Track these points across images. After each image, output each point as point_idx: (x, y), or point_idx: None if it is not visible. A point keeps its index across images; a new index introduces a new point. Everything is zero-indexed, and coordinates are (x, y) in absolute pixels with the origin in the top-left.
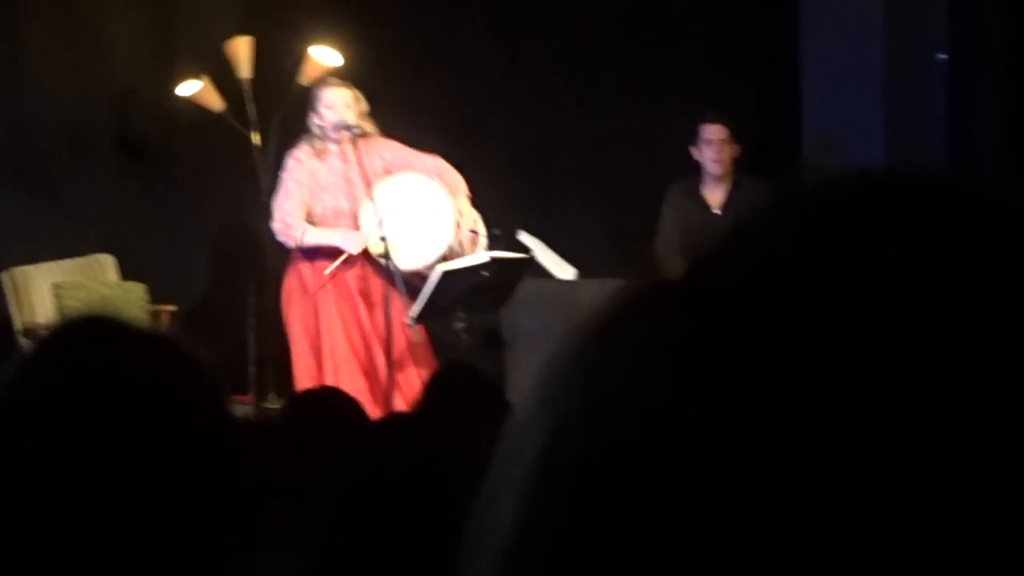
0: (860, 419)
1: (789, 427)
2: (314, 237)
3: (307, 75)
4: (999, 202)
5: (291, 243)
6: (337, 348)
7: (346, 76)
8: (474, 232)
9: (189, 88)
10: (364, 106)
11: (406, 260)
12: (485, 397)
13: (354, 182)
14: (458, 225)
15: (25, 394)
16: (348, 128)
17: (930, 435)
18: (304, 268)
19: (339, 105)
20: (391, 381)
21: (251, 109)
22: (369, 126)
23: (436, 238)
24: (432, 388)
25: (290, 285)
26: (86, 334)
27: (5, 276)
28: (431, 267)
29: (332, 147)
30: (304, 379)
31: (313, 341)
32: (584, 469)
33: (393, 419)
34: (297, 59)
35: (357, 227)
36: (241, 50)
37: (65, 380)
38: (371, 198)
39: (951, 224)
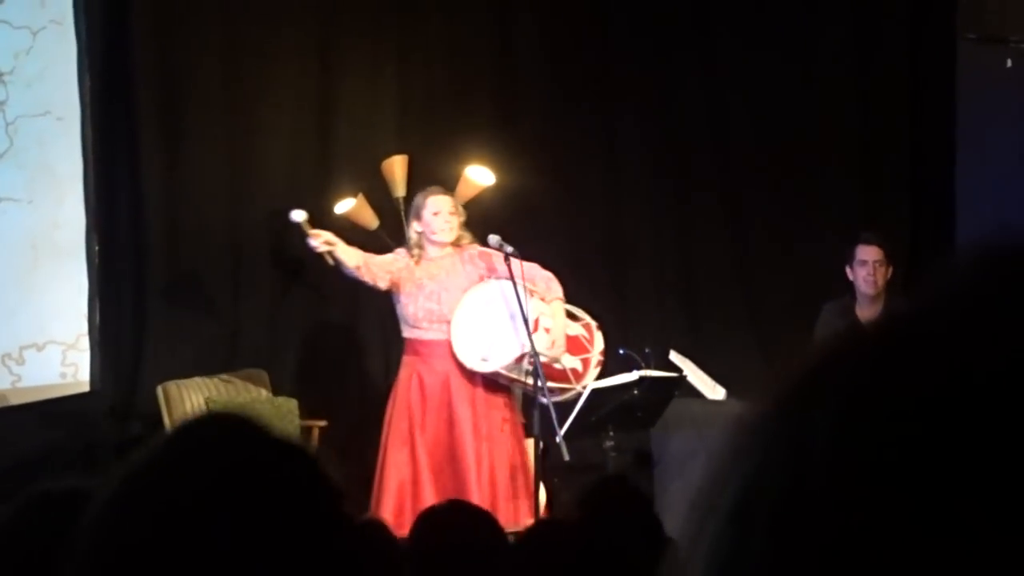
0: None
1: (1003, 484)
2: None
3: (461, 194)
4: None
5: (346, 270)
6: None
7: (498, 195)
8: (585, 333)
9: (344, 206)
10: (463, 216)
11: (475, 360)
12: (638, 511)
13: (449, 288)
14: (546, 330)
15: (154, 482)
16: (501, 246)
17: None
18: (403, 368)
19: (444, 211)
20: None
21: (406, 227)
22: (467, 235)
23: (511, 343)
24: (587, 501)
25: (395, 387)
26: (218, 429)
27: (160, 389)
28: (510, 368)
29: (432, 252)
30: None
31: (412, 453)
32: (783, 517)
33: (547, 529)
34: (451, 178)
35: (449, 332)
36: (396, 169)
37: (192, 473)
38: (466, 307)
39: None
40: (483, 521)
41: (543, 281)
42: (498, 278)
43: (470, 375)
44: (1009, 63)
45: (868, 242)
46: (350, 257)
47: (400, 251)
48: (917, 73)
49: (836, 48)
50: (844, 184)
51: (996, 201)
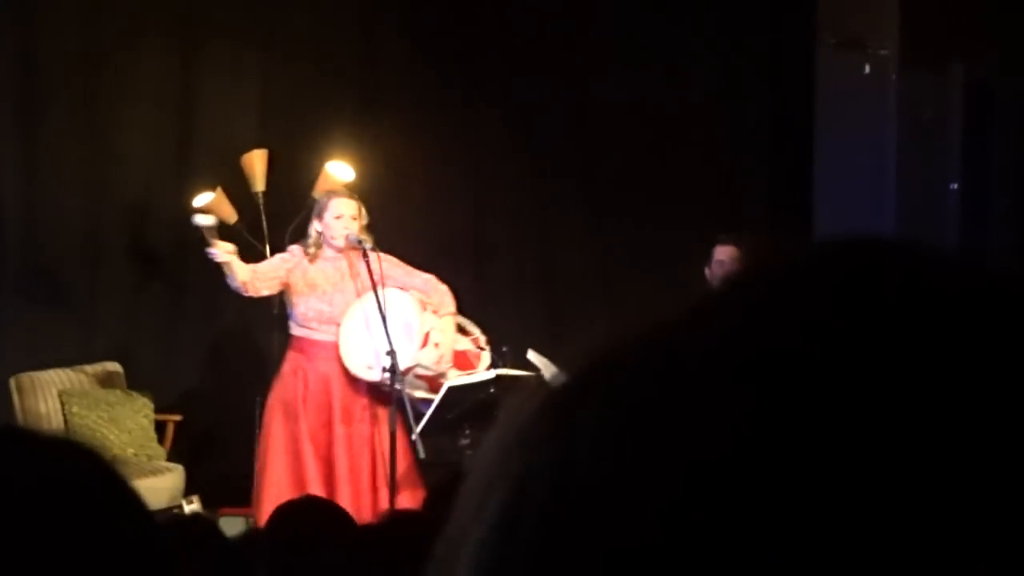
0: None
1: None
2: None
3: (320, 189)
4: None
5: (232, 285)
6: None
7: (357, 190)
8: (474, 349)
9: (203, 200)
10: (366, 219)
11: (361, 368)
12: None
13: (343, 291)
14: (435, 344)
15: None
16: (360, 243)
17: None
18: (286, 365)
19: (347, 216)
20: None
21: (264, 222)
22: (369, 239)
23: (402, 354)
24: (435, 496)
25: (275, 383)
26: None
27: (12, 381)
28: (389, 380)
29: (329, 253)
30: (274, 489)
31: (292, 448)
32: (548, 526)
33: (396, 524)
34: (311, 173)
35: (337, 335)
36: (256, 163)
37: None
38: (358, 311)
39: (920, 291)
40: (336, 515)
41: (437, 295)
42: (391, 286)
43: (352, 379)
44: (867, 69)
45: (725, 243)
46: (241, 271)
47: (293, 248)
48: (776, 77)
49: (697, 49)
50: (704, 185)
51: (853, 205)
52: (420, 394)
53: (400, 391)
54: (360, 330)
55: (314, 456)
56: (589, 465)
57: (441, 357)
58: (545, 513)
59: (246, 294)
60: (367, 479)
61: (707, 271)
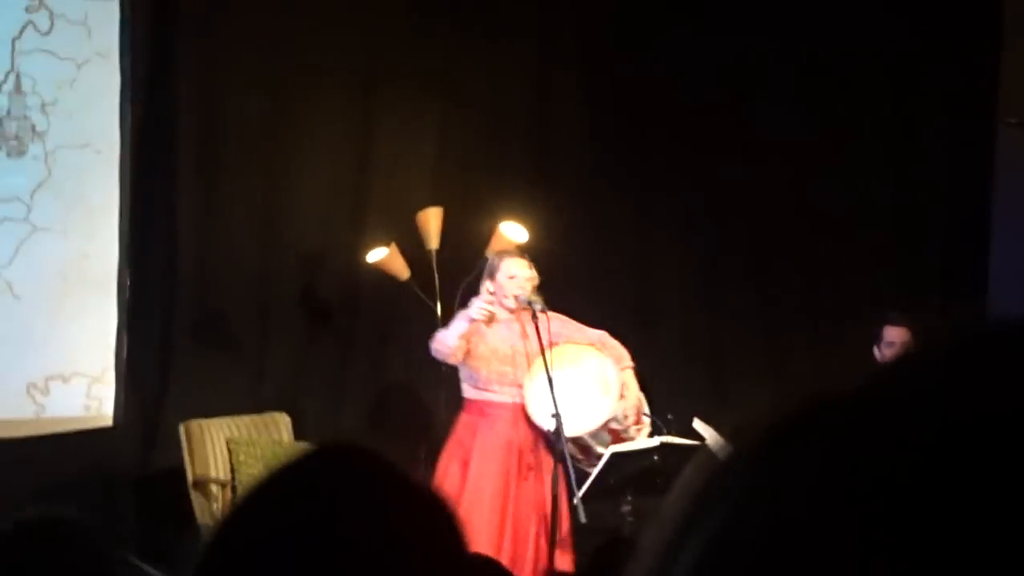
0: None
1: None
2: (454, 330)
3: (494, 249)
4: None
5: (444, 350)
6: (478, 511)
7: (528, 251)
8: (639, 409)
9: (377, 255)
10: (537, 280)
11: (569, 426)
12: None
13: (521, 352)
14: (622, 395)
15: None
16: (531, 304)
17: None
18: (461, 427)
19: (520, 277)
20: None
21: (436, 280)
22: (539, 300)
23: (600, 406)
24: (593, 561)
25: (450, 444)
26: (338, 464)
27: (182, 427)
28: (593, 434)
29: (503, 315)
30: None
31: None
32: (767, 560)
33: None
34: (482, 233)
35: (522, 396)
36: (431, 221)
37: (312, 511)
38: (542, 367)
39: None
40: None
41: (615, 349)
42: (566, 343)
43: (533, 440)
44: None
45: (897, 323)
46: (460, 338)
47: (464, 314)
48: (955, 156)
49: (875, 126)
50: (875, 262)
51: None
52: (602, 449)
53: (563, 452)
54: (547, 386)
55: (489, 510)
56: (801, 510)
57: (632, 409)
58: (754, 557)
59: (449, 360)
60: (532, 539)
61: (875, 351)
